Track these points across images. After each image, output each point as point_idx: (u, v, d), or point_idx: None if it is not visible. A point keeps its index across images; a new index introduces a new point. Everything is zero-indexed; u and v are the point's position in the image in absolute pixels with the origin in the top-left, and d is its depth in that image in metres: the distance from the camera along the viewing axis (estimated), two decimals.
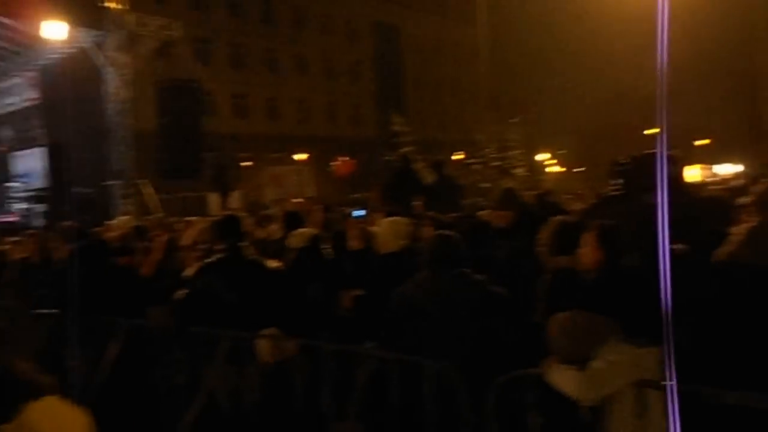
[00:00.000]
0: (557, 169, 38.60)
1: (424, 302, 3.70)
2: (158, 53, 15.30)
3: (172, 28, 14.85)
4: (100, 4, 13.79)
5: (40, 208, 15.02)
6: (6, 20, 13.56)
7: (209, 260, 4.56)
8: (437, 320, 3.60)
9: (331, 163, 28.23)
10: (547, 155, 38.44)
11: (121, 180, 14.35)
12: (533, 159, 35.83)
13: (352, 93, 39.34)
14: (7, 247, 6.90)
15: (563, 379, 2.83)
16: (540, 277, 3.89)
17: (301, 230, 5.08)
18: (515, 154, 28.32)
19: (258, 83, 33.94)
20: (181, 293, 4.54)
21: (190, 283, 4.49)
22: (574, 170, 37.80)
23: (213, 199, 13.24)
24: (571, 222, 4.06)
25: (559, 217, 4.09)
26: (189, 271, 4.66)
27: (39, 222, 14.15)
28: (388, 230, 4.62)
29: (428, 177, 10.09)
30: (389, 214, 5.70)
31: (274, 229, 6.64)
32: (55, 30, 12.82)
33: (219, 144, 22.04)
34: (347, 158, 27.88)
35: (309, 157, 31.33)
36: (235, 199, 13.05)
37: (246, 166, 24.62)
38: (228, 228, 4.61)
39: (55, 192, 14.31)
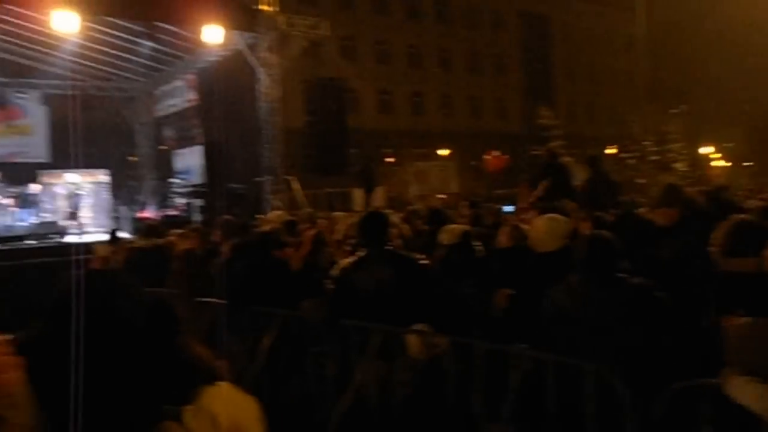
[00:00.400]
0: (722, 163, 35.83)
1: (575, 308, 3.52)
2: (307, 52, 15.79)
3: (320, 28, 15.27)
4: (253, 7, 14.45)
5: (198, 202, 15.96)
6: (169, 27, 14.52)
7: (356, 256, 4.60)
8: (589, 327, 3.41)
9: (484, 157, 27.94)
10: (711, 149, 35.75)
11: (271, 176, 14.98)
12: (696, 153, 33.41)
13: (497, 86, 38.80)
14: (172, 239, 7.36)
15: (745, 392, 2.56)
16: (710, 279, 3.61)
17: (451, 226, 5.00)
18: (676, 147, 26.55)
19: (402, 79, 34.36)
20: (330, 287, 4.61)
21: (339, 278, 4.55)
22: (743, 165, 34.93)
23: (357, 195, 13.47)
24: (752, 222, 3.72)
25: (738, 216, 3.75)
26: (337, 266, 4.73)
27: (197, 216, 15.09)
28: (546, 228, 4.43)
29: (579, 172, 9.69)
30: (542, 211, 5.50)
31: (420, 225, 6.62)
32: (213, 34, 13.60)
33: (364, 140, 22.53)
34: (498, 153, 27.49)
35: (452, 153, 31.26)
36: (379, 195, 13.19)
37: (390, 162, 24.93)
38: (373, 224, 4.63)
39: (211, 188, 15.07)
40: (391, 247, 4.58)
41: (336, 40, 22.31)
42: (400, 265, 4.41)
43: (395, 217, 6.38)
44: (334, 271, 4.62)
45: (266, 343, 5.03)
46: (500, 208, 8.69)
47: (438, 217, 6.05)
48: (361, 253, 4.53)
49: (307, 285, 5.10)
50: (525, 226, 5.25)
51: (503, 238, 5.31)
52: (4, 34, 15.81)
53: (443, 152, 31.49)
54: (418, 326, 4.03)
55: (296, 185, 15.16)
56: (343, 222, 6.34)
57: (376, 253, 4.47)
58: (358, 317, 4.21)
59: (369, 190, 13.56)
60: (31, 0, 12.15)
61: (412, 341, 4.04)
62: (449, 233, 4.72)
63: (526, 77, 39.80)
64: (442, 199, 10.29)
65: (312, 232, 5.93)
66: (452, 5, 37.12)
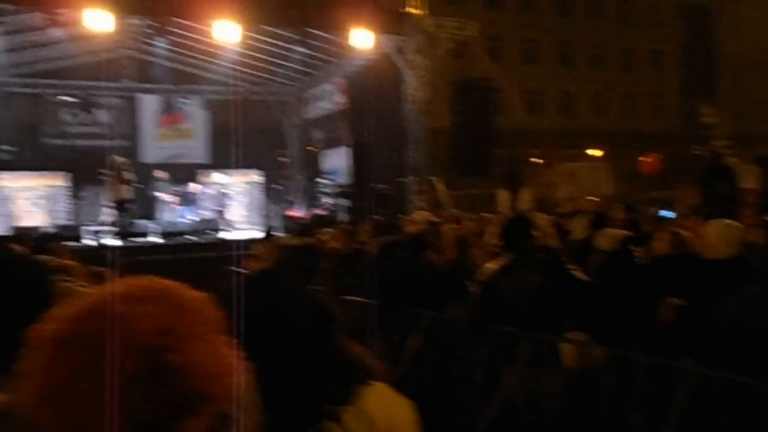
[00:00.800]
0: None
1: (754, 321, 3.17)
2: (453, 53, 15.75)
3: (467, 29, 15.18)
4: (401, 11, 14.63)
5: (344, 202, 16.38)
6: (320, 33, 15.02)
7: (501, 260, 4.45)
8: None
9: (639, 158, 26.51)
10: None
11: (416, 177, 15.08)
12: None
13: (653, 83, 36.71)
14: (323, 238, 7.55)
15: None
16: None
17: (610, 231, 4.71)
18: None
19: (551, 78, 33.44)
20: (476, 291, 4.51)
21: (485, 282, 4.43)
22: None
23: (502, 197, 13.21)
24: None
25: None
26: (483, 270, 4.60)
27: (343, 216, 15.48)
28: (720, 234, 4.04)
29: (747, 175, 8.88)
30: (706, 216, 5.07)
31: (576, 229, 6.32)
32: (362, 39, 13.92)
33: (511, 141, 22.07)
34: (653, 154, 26.00)
35: (605, 153, 29.97)
36: (525, 197, 12.85)
37: (537, 163, 24.33)
38: (517, 228, 4.47)
39: (357, 188, 15.39)
40: (536, 252, 4.39)
41: (483, 40, 22.02)
42: (549, 270, 4.23)
43: (544, 220, 6.15)
44: (480, 275, 4.50)
45: (412, 344, 5.00)
46: (657, 212, 8.14)
47: (600, 222, 5.73)
48: (506, 258, 4.38)
49: (453, 288, 5.02)
50: (685, 233, 4.85)
51: (662, 245, 4.93)
52: (172, 45, 17.14)
53: (594, 153, 30.27)
54: (574, 335, 3.83)
55: (441, 186, 15.14)
56: (495, 224, 6.18)
57: (522, 258, 4.31)
58: (505, 323, 4.07)
59: (515, 192, 13.24)
60: (196, 12, 12.98)
61: (567, 350, 3.84)
62: (608, 238, 4.45)
63: (686, 73, 37.32)
64: (594, 201, 9.78)
65: (458, 234, 5.84)
66: (605, 1, 35.62)
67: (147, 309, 0.75)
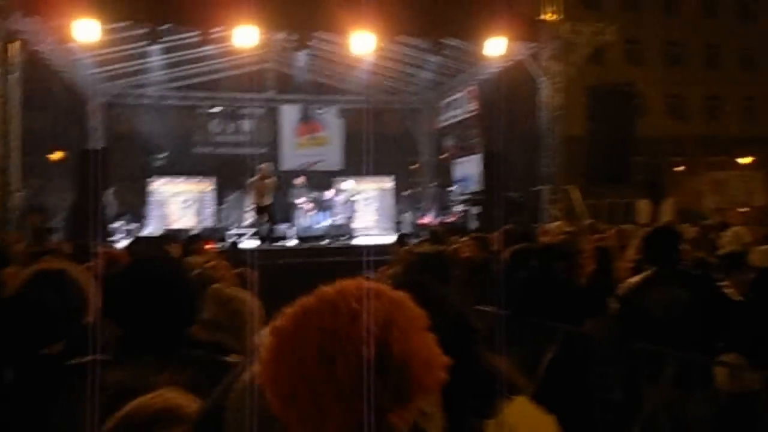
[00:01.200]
0: None
1: None
2: (590, 58, 15.27)
3: (605, 33, 14.66)
4: (537, 18, 14.37)
5: (475, 210, 16.30)
6: (454, 42, 15.05)
7: (644, 274, 4.25)
8: None
9: None
10: None
11: (550, 185, 14.73)
12: None
13: None
14: (455, 246, 7.55)
15: None
16: None
17: (765, 246, 4.38)
18: None
19: (696, 82, 31.46)
20: (616, 306, 4.33)
21: (625, 297, 4.25)
22: None
23: (642, 207, 12.60)
24: None
25: None
26: (624, 284, 4.42)
27: (474, 223, 15.41)
28: None
29: None
30: None
31: (727, 242, 5.93)
32: (496, 46, 13.82)
33: (651, 148, 21.05)
34: None
35: (755, 161, 27.81)
36: (668, 208, 12.19)
37: (680, 171, 22.99)
38: (664, 240, 4.24)
39: (489, 196, 15.26)
40: (683, 267, 4.16)
41: (621, 44, 21.22)
42: (697, 286, 3.99)
43: (690, 232, 5.82)
44: (620, 290, 4.33)
45: (546, 358, 4.89)
46: None
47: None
48: (649, 272, 4.18)
49: (592, 301, 4.85)
50: None
51: None
52: (311, 58, 17.85)
53: (744, 160, 28.14)
54: (728, 357, 3.59)
55: (576, 195, 14.70)
56: (638, 236, 5.91)
57: (667, 272, 4.09)
58: (646, 340, 3.88)
59: (656, 202, 12.62)
60: (334, 25, 13.44)
61: (720, 373, 3.60)
62: (764, 254, 4.14)
63: None
64: (745, 213, 9.10)
65: (599, 245, 5.63)
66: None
67: (373, 303, 0.81)
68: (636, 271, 4.95)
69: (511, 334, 4.85)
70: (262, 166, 15.45)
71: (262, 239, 14.43)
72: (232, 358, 2.12)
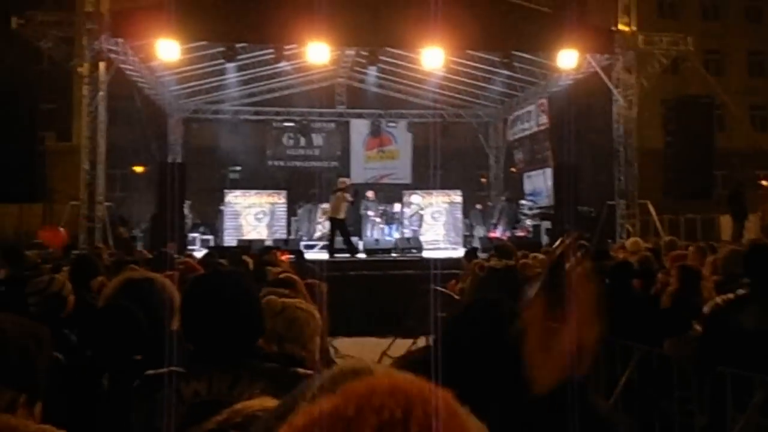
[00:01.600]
0: None
1: None
2: (667, 69, 14.84)
3: (682, 44, 14.22)
4: (611, 28, 14.08)
5: (546, 225, 16.03)
6: (523, 54, 14.89)
7: (734, 294, 4.07)
8: None
9: None
10: None
11: (624, 199, 14.35)
12: None
13: None
14: (525, 261, 7.46)
15: None
16: None
17: None
18: None
19: None
20: (699, 327, 4.18)
21: (712, 318, 4.09)
22: None
23: (725, 223, 12.08)
24: None
25: None
26: (710, 304, 4.25)
27: (544, 238, 15.15)
28: None
29: None
30: None
31: None
32: (568, 59, 13.61)
33: (734, 161, 20.15)
34: None
35: None
36: (753, 224, 11.66)
37: (765, 186, 21.97)
38: (754, 259, 4.06)
39: (560, 210, 14.98)
40: None
41: (700, 54, 20.48)
42: None
43: None
44: (708, 309, 4.17)
45: (623, 379, 4.75)
46: None
47: None
48: (741, 291, 4.01)
49: (674, 322, 4.69)
50: None
51: None
52: (381, 73, 18.05)
53: None
54: None
55: (652, 210, 14.26)
56: (720, 254, 5.68)
57: (757, 292, 3.91)
58: (735, 364, 3.72)
59: (739, 218, 12.07)
60: (404, 41, 13.55)
61: None
62: None
63: None
64: None
65: (682, 264, 5.44)
66: None
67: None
68: (719, 290, 4.76)
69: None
70: (342, 179, 15.60)
71: (332, 251, 14.57)
72: (302, 370, 2.14)
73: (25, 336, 1.61)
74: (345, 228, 14.72)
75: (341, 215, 14.44)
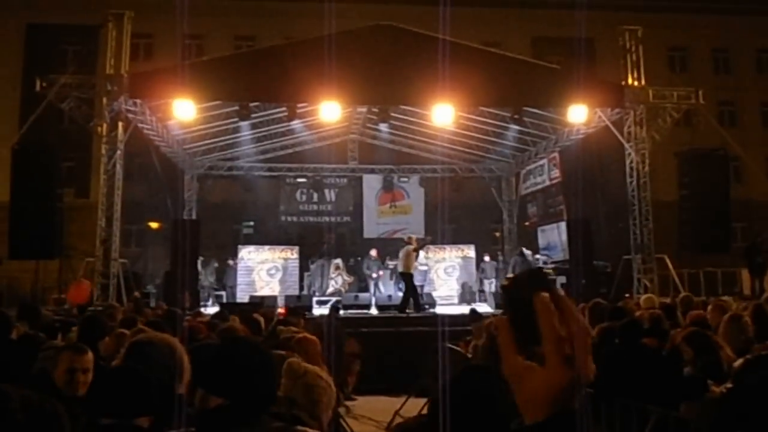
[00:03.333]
0: None
1: None
2: (679, 122, 14.87)
3: (693, 98, 14.29)
4: (620, 83, 14.19)
5: (561, 280, 15.84)
6: (534, 110, 14.99)
7: (756, 352, 3.96)
8: None
9: None
10: None
11: (640, 254, 14.19)
12: None
13: None
14: None
15: None
16: None
17: None
18: None
19: None
20: (719, 389, 4.04)
21: (734, 379, 3.96)
22: None
23: (747, 276, 11.84)
24: None
25: None
26: (734, 365, 4.13)
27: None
28: None
29: None
30: None
31: None
32: (578, 114, 13.69)
33: (752, 213, 19.97)
34: None
35: None
36: None
37: None
38: None
39: (575, 265, 14.83)
40: None
41: (714, 106, 20.56)
42: None
43: None
44: (729, 370, 4.04)
45: None
46: None
47: None
48: (763, 351, 3.90)
49: (690, 383, 4.55)
50: None
51: None
52: (393, 129, 18.26)
53: None
54: None
55: (669, 264, 14.06)
56: (749, 310, 5.53)
57: None
58: (755, 429, 3.58)
59: (756, 272, 11.85)
60: (416, 98, 13.72)
61: None
62: None
63: None
64: None
65: (694, 330, 5.30)
66: None
67: None
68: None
69: (598, 414, 4.60)
70: (409, 236, 15.50)
71: (417, 306, 14.30)
72: (308, 429, 2.15)
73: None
74: (413, 283, 14.51)
75: (412, 270, 14.32)
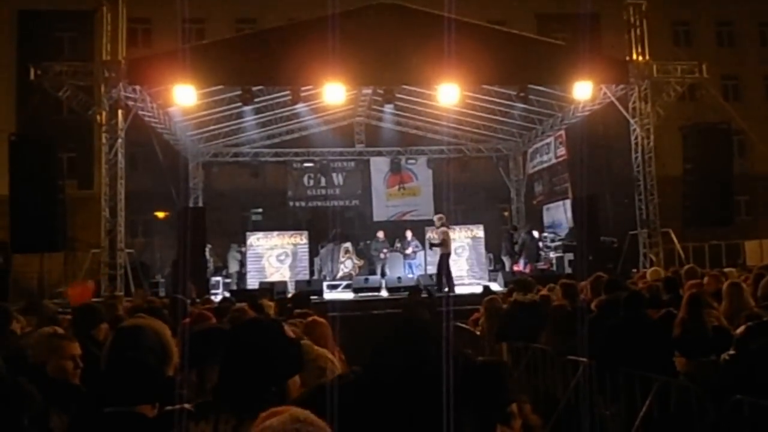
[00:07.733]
0: None
1: None
2: (684, 97, 14.78)
3: (696, 72, 14.18)
4: (624, 59, 14.09)
5: (568, 256, 15.84)
6: (539, 87, 14.90)
7: (759, 322, 3.98)
8: None
9: None
10: None
11: (646, 228, 14.16)
12: None
13: None
14: (546, 293, 7.36)
15: None
16: None
17: None
18: None
19: None
20: (726, 354, 4.08)
21: (740, 345, 4.00)
22: None
23: (751, 248, 11.83)
24: None
25: None
26: (738, 332, 4.16)
27: (567, 270, 14.96)
28: None
29: None
30: None
31: None
32: (583, 90, 13.61)
33: (755, 186, 19.85)
34: None
35: None
36: None
37: None
38: None
39: (581, 241, 14.81)
40: None
41: (717, 80, 20.37)
42: None
43: None
44: (737, 337, 4.08)
45: (643, 409, 4.63)
46: None
47: None
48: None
49: (683, 348, 4.60)
50: None
51: None
52: (399, 110, 18.21)
53: None
54: None
55: (673, 238, 14.04)
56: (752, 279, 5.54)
57: None
58: (759, 394, 3.61)
59: None
60: (420, 78, 13.65)
61: None
62: None
63: None
64: None
65: (692, 292, 5.34)
66: None
67: None
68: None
69: (606, 384, 4.65)
70: (439, 215, 15.46)
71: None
72: None
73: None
74: (446, 262, 14.54)
75: (450, 249, 14.35)
